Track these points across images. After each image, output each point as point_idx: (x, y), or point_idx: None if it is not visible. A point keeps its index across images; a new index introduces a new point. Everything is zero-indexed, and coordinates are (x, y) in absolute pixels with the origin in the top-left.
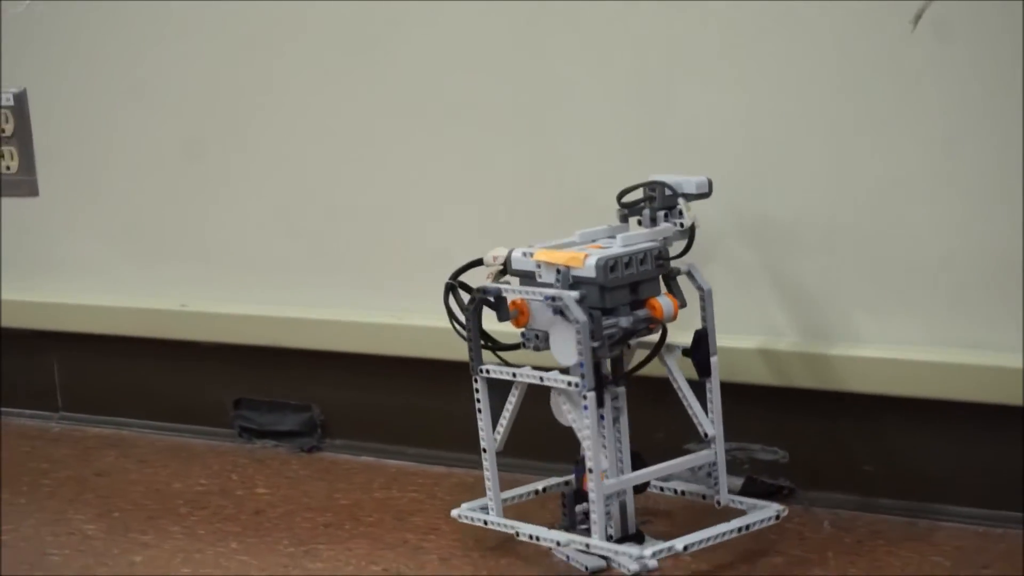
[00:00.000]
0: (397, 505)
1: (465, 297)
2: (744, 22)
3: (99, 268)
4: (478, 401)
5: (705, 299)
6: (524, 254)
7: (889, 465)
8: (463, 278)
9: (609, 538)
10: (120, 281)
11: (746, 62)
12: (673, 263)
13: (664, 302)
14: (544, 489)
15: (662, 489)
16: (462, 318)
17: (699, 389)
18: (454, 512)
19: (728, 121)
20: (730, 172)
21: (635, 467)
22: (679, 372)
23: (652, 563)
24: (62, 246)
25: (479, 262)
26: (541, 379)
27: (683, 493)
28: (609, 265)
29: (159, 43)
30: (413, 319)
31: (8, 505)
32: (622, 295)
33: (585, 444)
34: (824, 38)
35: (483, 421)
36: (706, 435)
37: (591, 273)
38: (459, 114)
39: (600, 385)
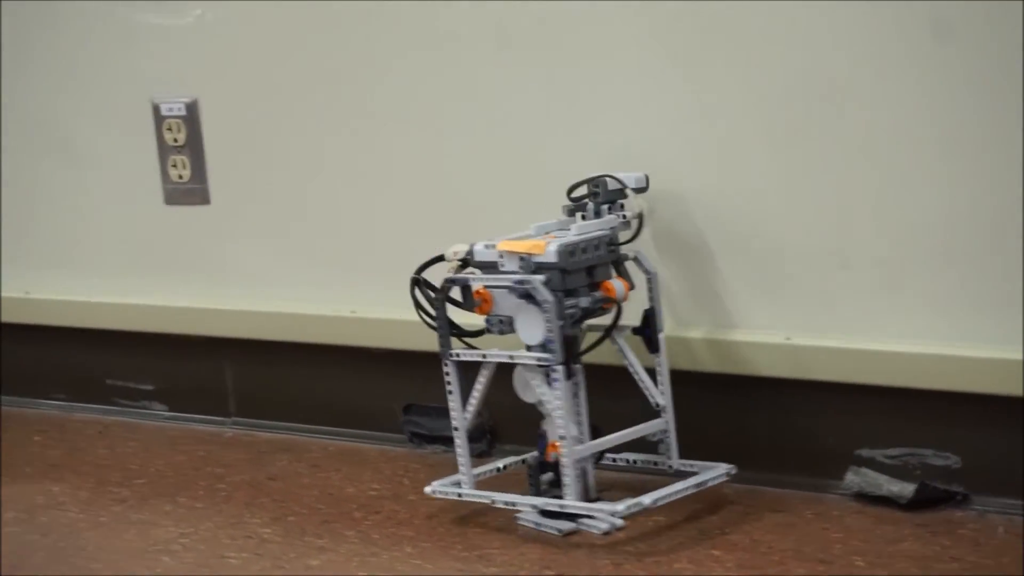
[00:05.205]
0: None
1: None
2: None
3: (269, 275)
4: (449, 384)
5: (652, 282)
6: (486, 246)
7: None
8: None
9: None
10: (290, 287)
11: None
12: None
13: (616, 284)
14: (505, 467)
15: (615, 460)
16: (429, 310)
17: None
18: (427, 489)
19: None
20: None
21: (594, 438)
22: (630, 350)
23: (619, 522)
24: (233, 253)
25: (441, 258)
26: (511, 357)
27: (635, 462)
28: (569, 250)
29: (329, 49)
30: None
31: (186, 508)
32: (580, 278)
33: (556, 415)
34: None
35: (454, 402)
36: (658, 405)
37: (553, 258)
38: None
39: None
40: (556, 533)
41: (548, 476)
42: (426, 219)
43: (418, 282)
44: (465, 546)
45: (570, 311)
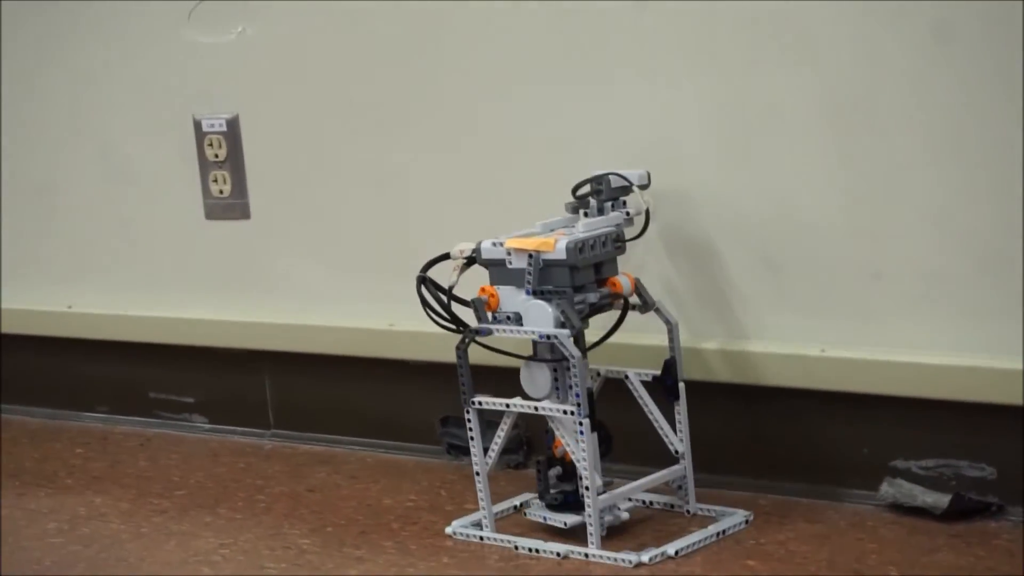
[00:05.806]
0: None
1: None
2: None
3: (308, 288)
4: (471, 430)
5: (673, 331)
6: (494, 244)
7: None
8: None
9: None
10: (329, 301)
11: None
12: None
13: (623, 280)
14: (521, 505)
15: (630, 500)
16: (436, 307)
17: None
18: (448, 529)
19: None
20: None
21: (595, 430)
22: (647, 396)
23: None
24: (272, 267)
25: (446, 256)
26: (536, 408)
27: (651, 504)
28: (578, 247)
29: (368, 66)
30: (614, 338)
31: (226, 520)
32: (588, 274)
33: (581, 466)
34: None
35: (475, 448)
36: (677, 452)
37: (562, 255)
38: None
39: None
40: (562, 526)
41: (556, 471)
42: (465, 233)
43: (424, 280)
44: (501, 556)
45: (579, 307)
